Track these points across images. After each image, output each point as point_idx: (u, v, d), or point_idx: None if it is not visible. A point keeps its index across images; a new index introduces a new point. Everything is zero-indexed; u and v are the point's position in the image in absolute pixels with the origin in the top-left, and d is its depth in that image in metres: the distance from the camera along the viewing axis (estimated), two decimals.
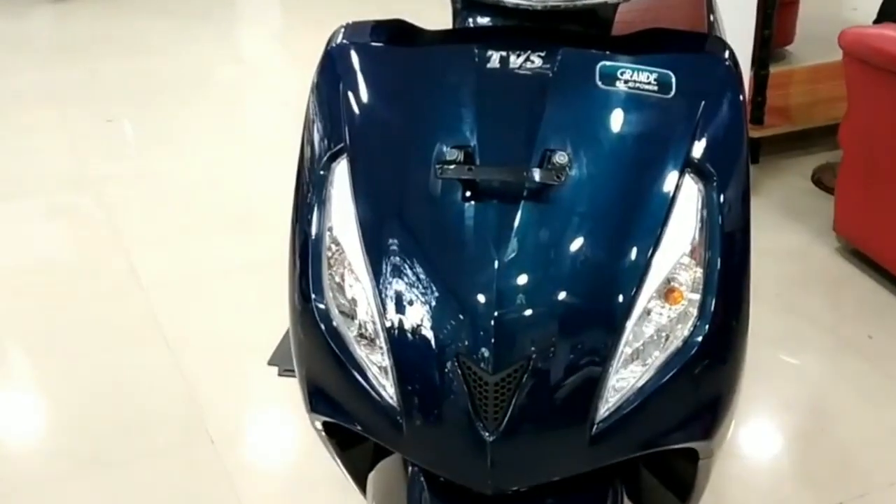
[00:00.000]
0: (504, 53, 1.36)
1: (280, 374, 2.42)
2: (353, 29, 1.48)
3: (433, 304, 1.20)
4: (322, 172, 1.34)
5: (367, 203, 1.29)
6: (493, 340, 1.15)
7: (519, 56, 1.35)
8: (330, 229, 1.31)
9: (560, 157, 1.22)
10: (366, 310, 1.24)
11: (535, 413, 1.17)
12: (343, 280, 1.28)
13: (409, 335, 1.21)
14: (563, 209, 1.24)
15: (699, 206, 1.26)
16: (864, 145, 2.83)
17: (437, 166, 1.23)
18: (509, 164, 1.25)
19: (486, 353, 1.15)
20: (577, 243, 1.23)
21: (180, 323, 2.69)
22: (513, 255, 1.20)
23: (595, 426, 1.18)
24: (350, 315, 1.27)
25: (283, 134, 3.58)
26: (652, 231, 1.22)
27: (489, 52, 1.36)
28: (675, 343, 1.22)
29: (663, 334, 1.21)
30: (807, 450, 2.25)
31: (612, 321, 1.19)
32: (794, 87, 3.91)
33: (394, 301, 1.22)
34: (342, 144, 1.33)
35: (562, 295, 1.19)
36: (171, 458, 2.20)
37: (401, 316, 1.21)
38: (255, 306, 2.73)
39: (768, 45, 3.35)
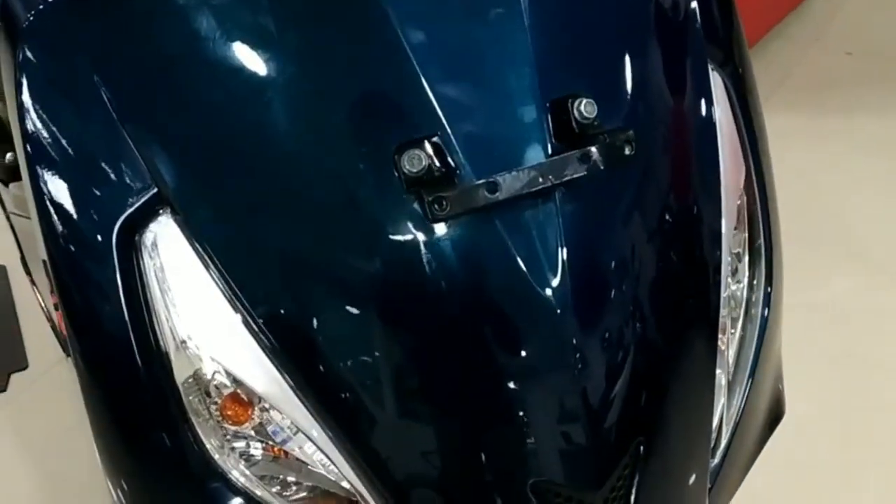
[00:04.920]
0: None
1: None
2: None
3: (457, 415, 0.80)
4: (122, 251, 0.81)
5: (249, 271, 0.80)
6: (590, 444, 0.80)
7: None
8: (185, 342, 0.81)
9: (588, 108, 0.80)
10: (303, 449, 0.82)
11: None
12: (248, 416, 0.82)
13: (429, 485, 0.81)
14: (619, 192, 0.84)
15: (732, 114, 0.97)
16: None
17: (427, 196, 0.76)
18: (523, 147, 0.79)
19: (581, 466, 0.80)
20: (655, 241, 0.85)
21: None
22: (583, 299, 0.80)
23: (712, 481, 0.93)
24: (264, 470, 0.83)
25: None
26: (712, 183, 0.90)
27: None
28: (753, 319, 0.98)
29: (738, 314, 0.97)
30: None
31: (710, 343, 0.89)
32: None
33: (369, 427, 0.79)
34: (149, 192, 0.81)
35: (656, 330, 0.84)
36: None
37: (388, 449, 0.80)
38: None
39: None
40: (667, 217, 0.86)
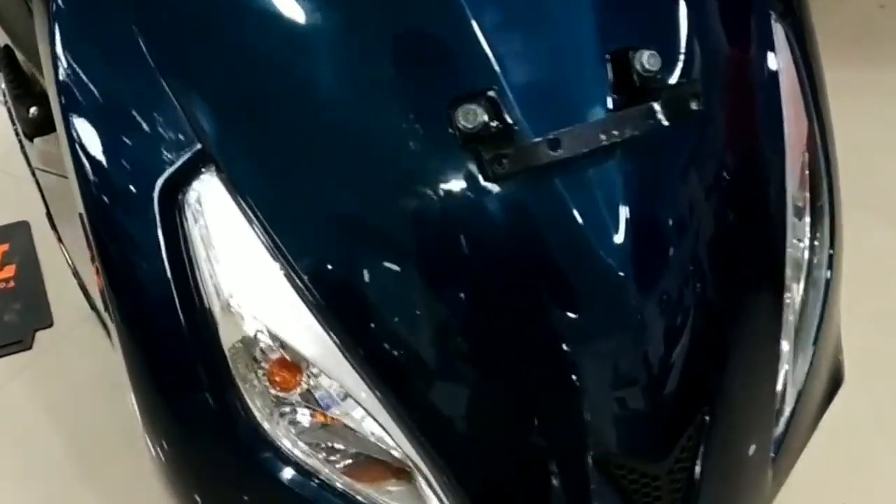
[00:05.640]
0: None
1: None
2: None
3: (514, 381, 0.77)
4: (164, 209, 0.78)
5: (297, 229, 0.77)
6: (654, 414, 0.77)
7: None
8: (229, 302, 0.78)
9: (650, 60, 0.76)
10: (352, 415, 0.79)
11: (724, 481, 0.84)
12: (296, 383, 0.79)
13: (485, 453, 0.78)
14: (682, 149, 0.80)
15: (794, 68, 0.93)
16: None
17: (486, 153, 0.72)
18: (582, 102, 0.76)
19: (645, 437, 0.78)
20: (720, 201, 0.81)
21: None
22: (646, 261, 0.76)
23: (776, 450, 0.90)
24: (312, 437, 0.81)
25: None
26: (777, 140, 0.87)
27: None
28: (816, 282, 0.94)
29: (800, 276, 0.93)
30: None
31: (775, 307, 0.86)
32: None
33: (429, 390, 0.77)
34: (192, 148, 0.77)
35: (721, 295, 0.81)
36: None
37: (447, 418, 0.77)
38: None
39: None
40: (732, 176, 0.82)
